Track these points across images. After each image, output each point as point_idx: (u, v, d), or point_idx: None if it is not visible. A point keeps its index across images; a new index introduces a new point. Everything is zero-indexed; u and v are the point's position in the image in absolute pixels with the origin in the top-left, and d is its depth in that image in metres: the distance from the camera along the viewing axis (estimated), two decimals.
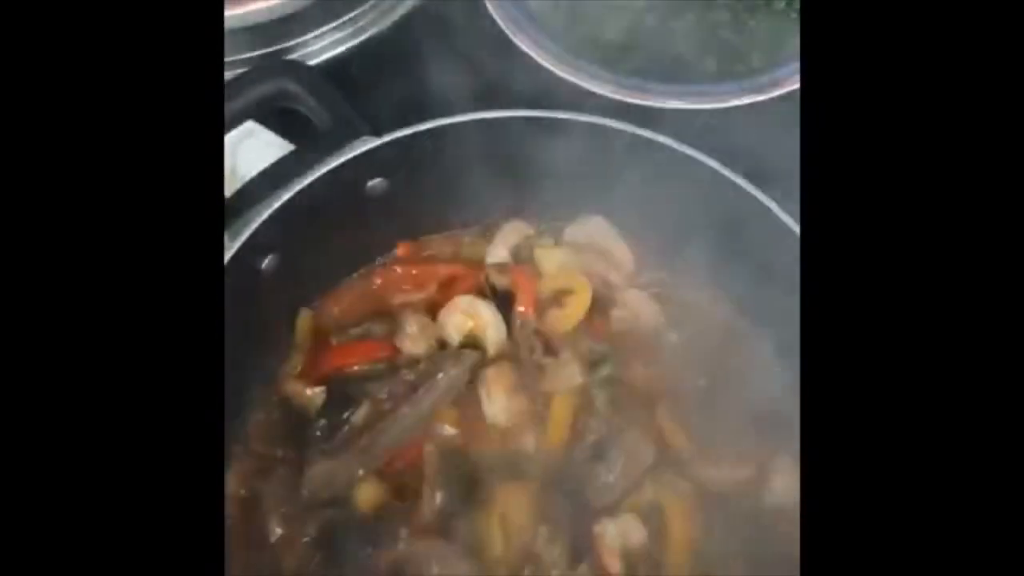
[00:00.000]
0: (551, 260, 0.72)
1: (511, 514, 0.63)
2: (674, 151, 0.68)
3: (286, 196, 0.66)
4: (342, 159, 0.67)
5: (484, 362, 0.69)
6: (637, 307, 0.72)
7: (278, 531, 0.65)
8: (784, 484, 0.65)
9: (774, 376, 0.70)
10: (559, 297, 0.71)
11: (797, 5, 0.86)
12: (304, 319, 0.73)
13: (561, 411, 0.67)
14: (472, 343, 0.70)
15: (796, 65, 0.80)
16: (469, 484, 0.65)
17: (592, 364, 0.68)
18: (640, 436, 0.65)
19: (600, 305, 0.71)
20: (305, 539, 0.65)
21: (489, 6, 0.83)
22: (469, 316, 0.70)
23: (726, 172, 0.67)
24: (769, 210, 0.66)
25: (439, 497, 0.64)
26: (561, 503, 0.64)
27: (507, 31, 0.82)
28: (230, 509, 0.67)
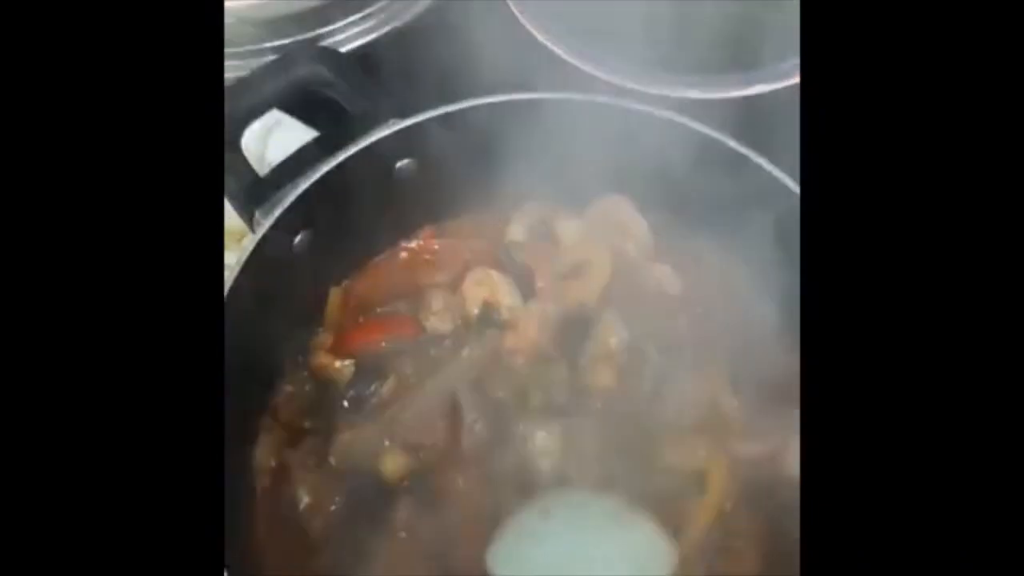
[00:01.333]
0: (570, 232, 0.75)
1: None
2: (692, 131, 0.70)
3: (318, 174, 0.68)
4: (372, 139, 0.70)
5: (504, 331, 0.71)
6: (658, 279, 0.74)
7: (306, 499, 0.67)
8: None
9: (789, 351, 0.71)
10: (579, 269, 0.73)
11: None
12: (334, 296, 0.75)
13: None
14: (490, 314, 0.72)
15: None
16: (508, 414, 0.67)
17: (634, 322, 0.71)
18: (695, 381, 0.68)
19: (621, 278, 0.73)
20: (332, 507, 0.66)
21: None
22: (483, 286, 0.72)
23: (744, 150, 0.69)
24: (785, 187, 0.67)
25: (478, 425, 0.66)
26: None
27: (525, 22, 0.85)
28: (260, 478, 0.69)
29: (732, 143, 0.70)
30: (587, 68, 0.83)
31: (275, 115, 0.82)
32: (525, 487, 0.66)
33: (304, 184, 0.68)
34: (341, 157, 0.68)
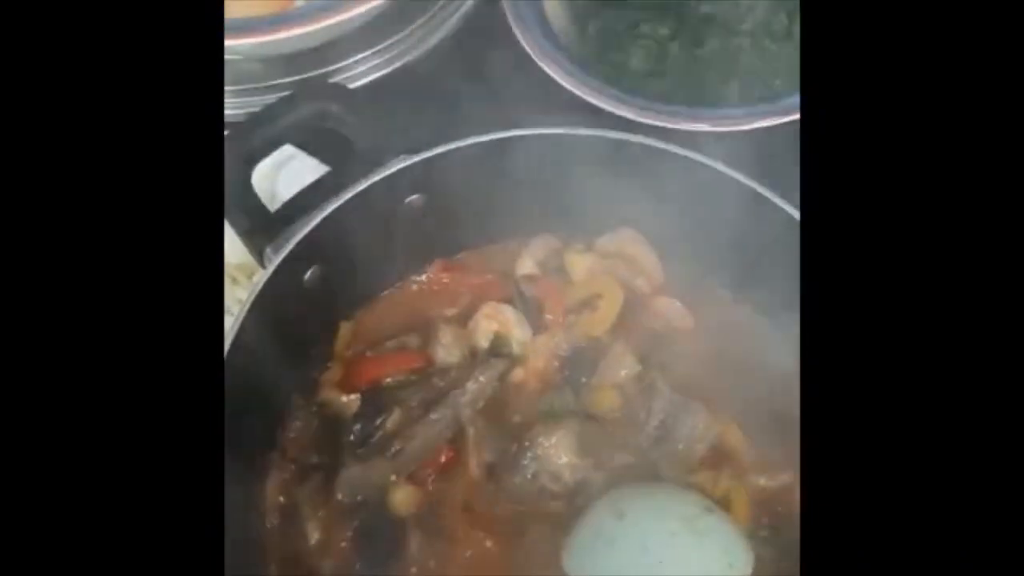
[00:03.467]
0: (580, 266, 0.75)
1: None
2: (702, 166, 0.70)
3: (329, 209, 0.68)
4: (381, 175, 0.70)
5: (512, 364, 0.71)
6: (668, 314, 0.74)
7: (316, 535, 0.67)
8: None
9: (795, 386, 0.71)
10: (590, 302, 0.73)
11: None
12: (344, 330, 0.75)
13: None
14: (500, 346, 0.72)
15: None
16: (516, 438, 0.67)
17: (645, 354, 0.71)
18: (703, 414, 0.68)
19: (630, 312, 0.73)
20: (342, 543, 0.66)
21: (518, 36, 0.87)
22: (493, 319, 0.72)
23: (751, 183, 0.69)
24: (793, 220, 0.67)
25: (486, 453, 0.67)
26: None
27: (536, 59, 0.86)
28: (270, 516, 0.69)
29: (740, 177, 0.70)
30: (598, 103, 0.84)
31: (287, 150, 0.83)
32: (545, 505, 0.66)
33: (314, 220, 0.68)
34: (350, 193, 0.69)
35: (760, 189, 0.69)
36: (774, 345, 0.73)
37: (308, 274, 0.70)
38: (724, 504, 0.65)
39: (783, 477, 0.67)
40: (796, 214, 0.68)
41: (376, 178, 0.70)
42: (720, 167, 0.70)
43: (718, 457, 0.68)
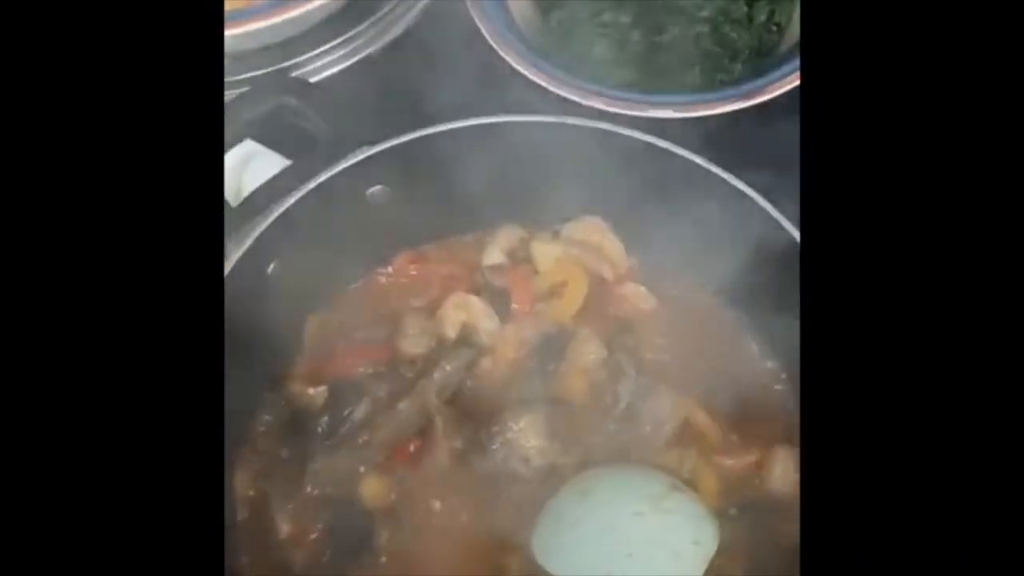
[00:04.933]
0: (547, 255, 0.75)
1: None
2: (666, 152, 0.71)
3: (289, 202, 0.68)
4: (341, 166, 0.70)
5: (480, 353, 0.71)
6: (633, 299, 0.74)
7: (286, 528, 0.66)
8: (782, 473, 0.67)
9: (764, 370, 0.72)
10: (556, 290, 0.74)
11: (777, 18, 0.90)
12: (311, 323, 0.75)
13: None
14: (468, 336, 0.72)
15: (778, 73, 0.83)
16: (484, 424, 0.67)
17: (611, 339, 0.71)
18: (669, 396, 0.68)
19: (597, 299, 0.74)
20: (312, 535, 0.66)
21: (480, 27, 0.87)
22: (461, 310, 0.73)
23: (714, 168, 0.70)
24: (755, 203, 0.68)
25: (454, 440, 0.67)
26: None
27: (499, 50, 0.86)
28: (240, 509, 0.68)
29: (702, 162, 0.70)
30: (562, 92, 0.84)
31: (249, 145, 0.83)
32: (514, 490, 0.66)
33: (276, 212, 0.68)
34: (311, 185, 0.68)
35: (722, 174, 0.70)
36: (737, 328, 0.74)
37: (271, 268, 0.70)
38: (692, 484, 0.66)
39: (748, 457, 0.67)
40: (758, 197, 0.69)
41: (337, 170, 0.70)
42: (683, 152, 0.71)
43: (685, 438, 0.68)
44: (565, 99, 0.84)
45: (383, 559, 0.65)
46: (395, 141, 0.71)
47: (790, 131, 0.80)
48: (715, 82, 0.87)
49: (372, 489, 0.67)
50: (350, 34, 0.86)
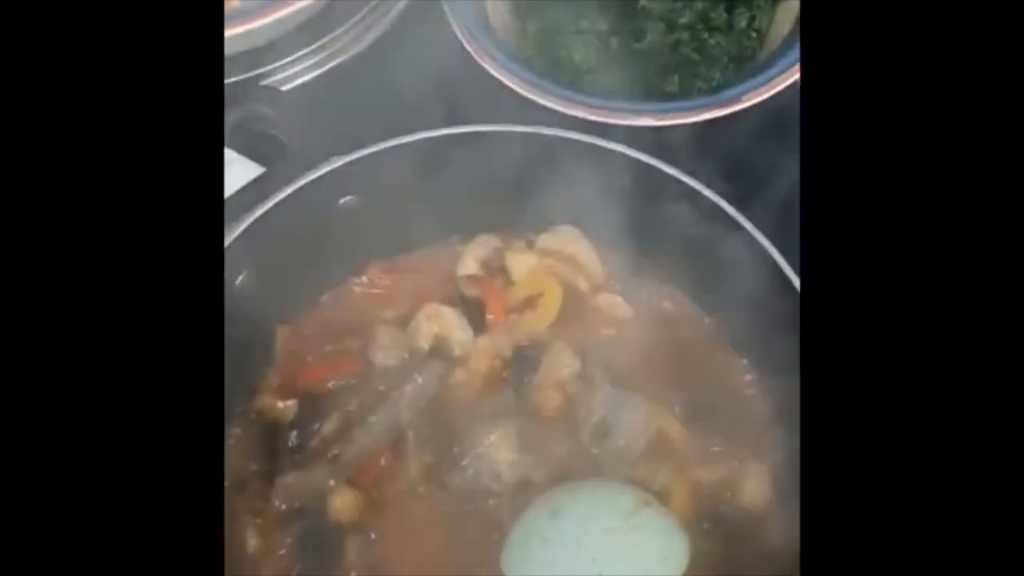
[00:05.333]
0: (521, 266, 0.74)
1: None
2: (641, 163, 0.71)
3: (258, 212, 0.68)
4: (312, 176, 0.69)
5: (453, 365, 0.71)
6: (608, 309, 0.73)
7: (254, 543, 0.66)
8: (754, 487, 0.66)
9: (741, 381, 0.72)
10: (531, 302, 0.73)
11: (757, 24, 0.89)
12: (282, 335, 0.74)
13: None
14: (441, 348, 0.72)
15: (756, 80, 0.83)
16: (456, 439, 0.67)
17: (586, 351, 0.71)
18: (643, 408, 0.67)
19: (572, 310, 0.73)
20: (281, 550, 0.65)
21: (457, 33, 0.86)
22: (434, 321, 0.72)
23: (690, 182, 0.69)
24: (730, 217, 0.68)
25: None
26: None
27: (475, 56, 0.85)
28: None
29: (678, 173, 0.70)
30: (539, 99, 0.83)
31: (227, 154, 0.82)
32: (485, 505, 0.65)
33: (244, 223, 0.67)
34: (280, 195, 0.68)
35: (698, 186, 0.69)
36: (714, 338, 0.73)
37: (240, 279, 0.69)
38: (664, 497, 0.65)
39: (721, 469, 0.67)
40: (730, 209, 0.68)
41: (307, 179, 0.69)
42: (660, 164, 0.70)
43: (659, 451, 0.67)
44: (542, 106, 0.83)
45: (352, 574, 0.64)
46: (368, 150, 0.70)
47: (769, 140, 0.81)
48: (694, 89, 0.86)
49: (342, 504, 0.66)
50: (324, 40, 0.85)
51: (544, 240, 0.77)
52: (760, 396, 0.71)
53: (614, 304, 0.74)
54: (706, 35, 0.86)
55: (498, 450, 0.66)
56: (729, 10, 0.88)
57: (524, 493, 0.65)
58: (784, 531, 0.63)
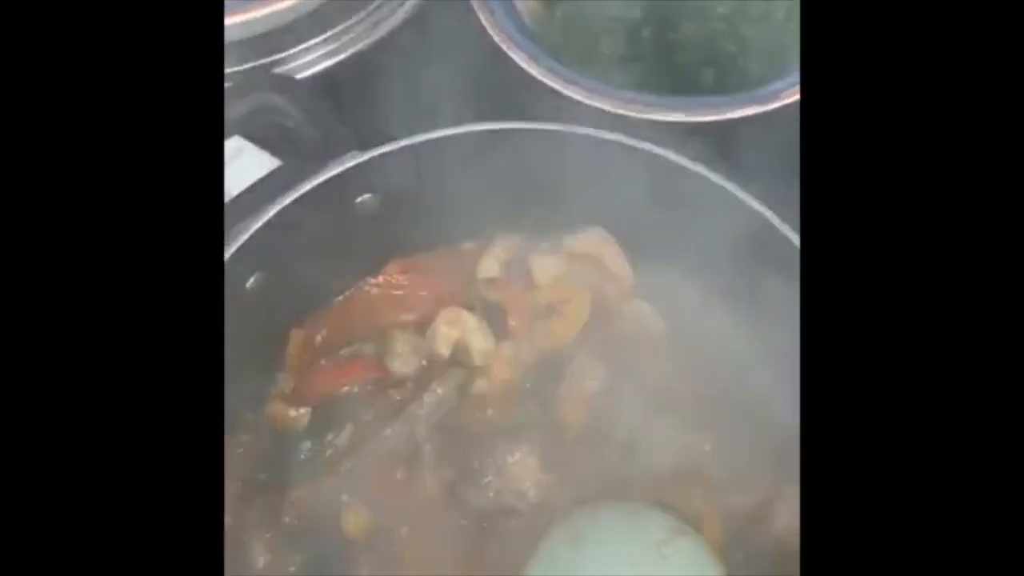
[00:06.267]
0: (546, 270, 0.71)
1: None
2: (673, 163, 0.67)
3: (271, 213, 0.64)
4: (328, 174, 0.66)
5: (474, 375, 0.67)
6: (638, 319, 0.70)
7: (262, 559, 0.63)
8: (790, 515, 0.63)
9: (774, 395, 0.67)
10: (556, 308, 0.69)
11: (796, 15, 0.85)
12: (295, 338, 0.71)
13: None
14: (461, 355, 0.68)
15: (796, 76, 0.79)
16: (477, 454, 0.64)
17: (613, 363, 0.67)
18: (674, 427, 0.64)
19: (599, 318, 0.69)
20: (291, 567, 0.62)
21: (483, 19, 0.82)
22: (454, 326, 0.68)
23: (726, 184, 0.66)
24: (768, 221, 0.64)
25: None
26: None
27: (501, 44, 0.81)
28: None
29: (712, 175, 0.66)
30: (568, 92, 0.79)
31: (237, 143, 0.78)
32: (506, 524, 0.62)
33: (257, 223, 0.64)
34: (295, 194, 0.64)
35: (734, 188, 0.66)
36: (750, 352, 0.70)
37: (252, 280, 0.66)
38: (695, 523, 0.61)
39: (757, 494, 0.63)
40: (768, 213, 0.65)
41: (323, 177, 0.65)
42: (693, 165, 0.67)
43: (689, 473, 0.64)
44: (570, 99, 0.79)
45: None
46: (387, 148, 0.67)
47: None
48: (729, 84, 0.82)
49: (355, 521, 0.63)
50: (341, 27, 0.80)
51: (571, 242, 0.73)
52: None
53: (644, 314, 0.70)
54: (744, 26, 0.82)
55: (522, 468, 0.62)
56: (767, 1, 0.83)
57: (547, 513, 0.62)
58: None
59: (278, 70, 0.78)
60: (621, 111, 0.78)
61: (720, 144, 0.75)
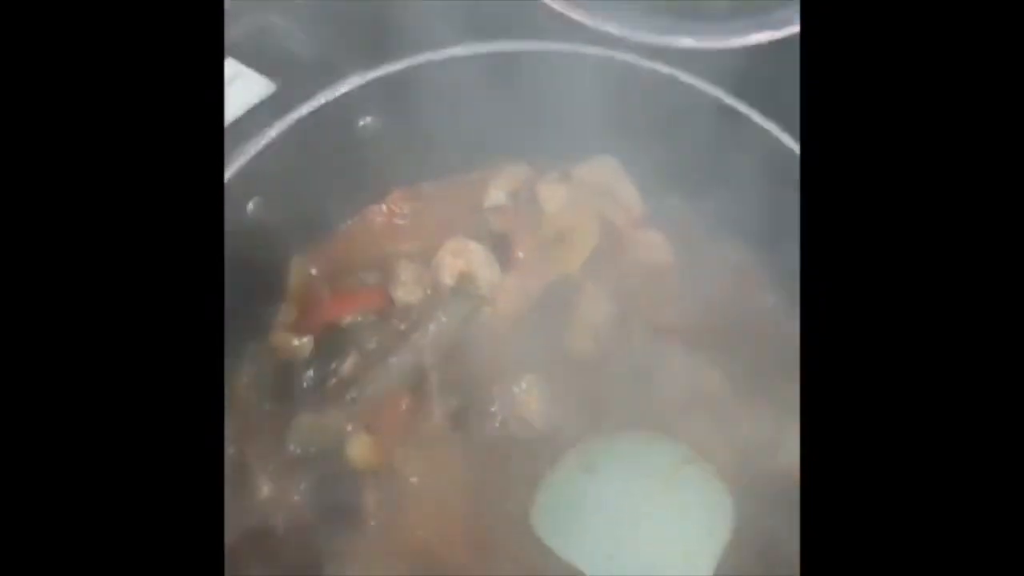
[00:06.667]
0: (554, 199, 0.69)
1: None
2: (687, 87, 0.65)
3: (271, 135, 0.62)
4: (330, 96, 0.63)
5: (479, 304, 0.66)
6: (648, 249, 0.69)
7: (266, 489, 0.63)
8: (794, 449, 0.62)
9: (783, 326, 0.67)
10: (564, 237, 0.68)
11: None
12: (296, 267, 0.69)
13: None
14: (467, 286, 0.67)
15: None
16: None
17: (622, 294, 0.66)
18: (684, 357, 0.63)
19: (607, 248, 0.68)
20: (295, 496, 0.62)
21: None
22: (459, 256, 0.67)
23: (741, 107, 0.64)
24: (784, 147, 0.62)
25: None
26: None
27: None
28: None
29: (728, 99, 0.64)
30: (574, 14, 0.76)
31: (233, 66, 0.76)
32: (514, 454, 0.62)
33: (256, 146, 0.62)
34: (295, 116, 0.62)
35: (749, 112, 0.64)
36: (760, 283, 0.68)
37: (250, 205, 0.64)
38: (705, 453, 0.61)
39: (767, 426, 0.62)
40: (786, 138, 0.63)
41: (325, 99, 0.63)
42: (707, 87, 0.65)
43: (699, 404, 0.63)
44: (578, 21, 0.76)
45: (371, 523, 0.61)
46: (389, 68, 0.64)
47: None
48: (746, 8, 0.79)
49: (360, 450, 0.63)
50: None
51: (579, 170, 0.71)
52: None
53: (655, 244, 0.69)
54: None
55: (529, 397, 0.62)
56: None
57: (555, 444, 0.62)
58: None
59: None
60: (630, 35, 0.75)
61: (734, 71, 0.73)
